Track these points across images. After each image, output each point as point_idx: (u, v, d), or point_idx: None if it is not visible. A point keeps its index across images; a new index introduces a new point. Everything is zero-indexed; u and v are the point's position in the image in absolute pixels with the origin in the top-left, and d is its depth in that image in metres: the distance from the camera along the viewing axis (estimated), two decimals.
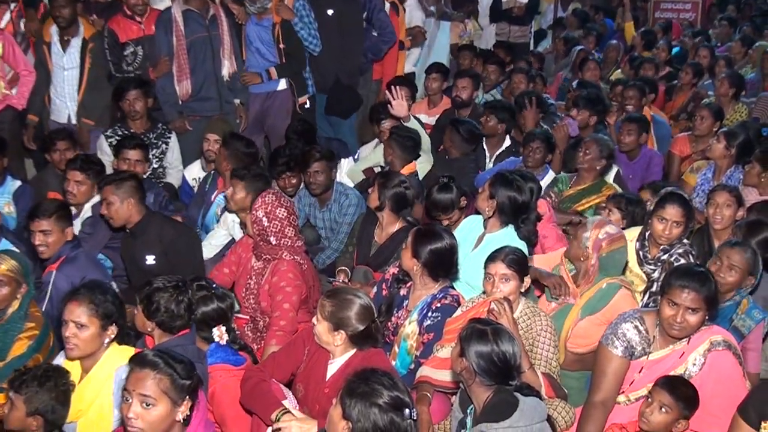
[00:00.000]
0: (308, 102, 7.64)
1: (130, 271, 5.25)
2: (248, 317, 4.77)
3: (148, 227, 5.06)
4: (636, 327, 3.74)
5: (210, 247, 5.83)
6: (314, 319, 3.74)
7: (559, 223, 5.51)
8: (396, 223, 5.33)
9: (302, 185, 6.30)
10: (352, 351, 3.72)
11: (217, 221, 6.01)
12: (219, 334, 3.91)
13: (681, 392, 3.49)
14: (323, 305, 3.69)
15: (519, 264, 4.04)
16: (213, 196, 6.22)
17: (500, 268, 4.01)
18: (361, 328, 3.66)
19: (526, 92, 7.45)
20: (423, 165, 6.58)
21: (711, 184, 6.07)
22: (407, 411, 2.87)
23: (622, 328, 3.75)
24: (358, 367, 3.24)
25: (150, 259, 5.04)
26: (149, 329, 3.80)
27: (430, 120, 7.91)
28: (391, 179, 5.33)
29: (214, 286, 4.07)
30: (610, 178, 6.21)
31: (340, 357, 3.72)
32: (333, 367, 3.73)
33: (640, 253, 4.66)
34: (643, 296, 4.65)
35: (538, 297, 4.52)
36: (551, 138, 6.41)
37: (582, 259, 4.28)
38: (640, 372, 3.73)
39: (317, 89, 7.81)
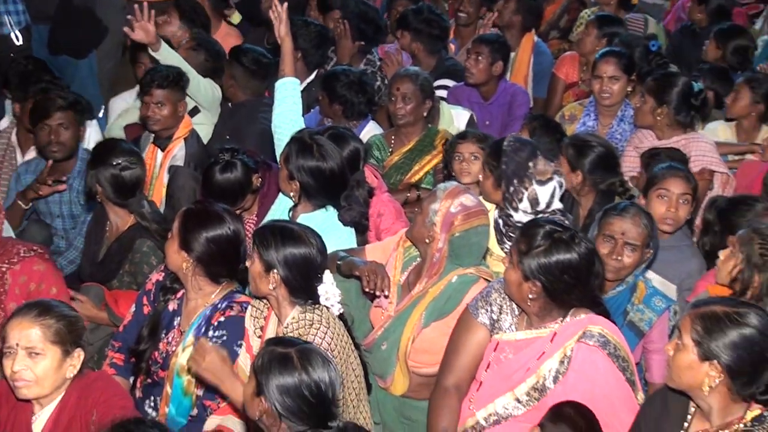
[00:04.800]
0: (19, 37, 7.39)
1: None
2: None
3: None
4: (505, 298, 4.00)
5: None
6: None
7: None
8: (126, 218, 5.24)
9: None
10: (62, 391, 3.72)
11: None
12: None
13: (585, 428, 3.66)
14: None
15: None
16: None
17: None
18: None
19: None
20: (204, 126, 6.62)
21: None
22: None
23: (494, 296, 4.00)
24: (74, 409, 3.26)
25: None
26: None
27: None
28: (102, 155, 5.24)
29: None
30: (460, 126, 6.42)
31: (47, 406, 3.72)
32: (38, 424, 3.73)
33: (500, 221, 4.86)
34: None
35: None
36: (364, 81, 6.53)
37: (427, 240, 4.39)
38: (495, 350, 3.96)
39: (32, 17, 7.57)
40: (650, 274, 4.76)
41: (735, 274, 4.36)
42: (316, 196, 4.83)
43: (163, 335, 4.39)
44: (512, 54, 7.87)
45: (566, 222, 4.57)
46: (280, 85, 5.32)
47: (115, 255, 5.21)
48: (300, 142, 4.83)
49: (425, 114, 6.21)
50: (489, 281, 4.31)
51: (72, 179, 6.00)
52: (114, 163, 5.15)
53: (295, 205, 4.90)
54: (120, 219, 5.24)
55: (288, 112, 5.24)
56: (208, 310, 4.30)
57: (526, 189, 4.72)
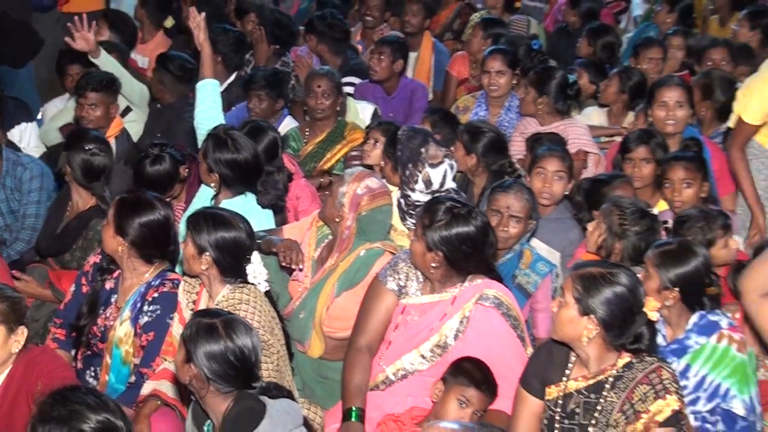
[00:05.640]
0: None
1: None
2: None
3: None
4: (411, 267, 4.03)
5: None
6: None
7: None
8: (89, 199, 5.23)
9: None
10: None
11: None
12: None
13: (482, 381, 3.72)
14: None
15: None
16: None
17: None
18: None
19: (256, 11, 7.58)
20: (135, 123, 6.55)
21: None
22: None
23: (401, 266, 4.05)
24: (20, 381, 3.21)
25: None
26: None
27: (144, 61, 7.82)
28: (76, 140, 5.23)
29: None
30: (365, 119, 6.42)
31: None
32: None
33: (401, 201, 4.87)
34: None
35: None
36: (281, 79, 6.53)
37: (337, 220, 4.40)
38: (402, 313, 4.01)
39: None
40: (537, 243, 4.81)
41: (600, 242, 4.47)
42: (234, 184, 4.83)
43: (101, 311, 4.34)
44: (414, 54, 7.93)
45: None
46: (200, 86, 5.27)
47: (73, 230, 5.20)
48: (216, 138, 4.82)
49: (338, 108, 6.19)
50: (393, 253, 4.33)
51: (2, 179, 5.81)
52: (86, 148, 5.15)
53: (217, 194, 4.89)
54: (82, 200, 5.23)
55: (208, 110, 5.20)
56: (142, 287, 4.27)
57: (420, 172, 4.73)
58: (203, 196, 5.04)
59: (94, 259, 4.54)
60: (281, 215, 5.10)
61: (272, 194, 4.94)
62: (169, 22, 8.75)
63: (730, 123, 5.61)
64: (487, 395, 3.74)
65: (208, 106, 5.21)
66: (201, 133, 5.12)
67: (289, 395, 3.45)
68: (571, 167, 5.29)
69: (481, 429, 2.87)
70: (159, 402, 3.97)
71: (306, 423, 3.38)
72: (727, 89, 6.16)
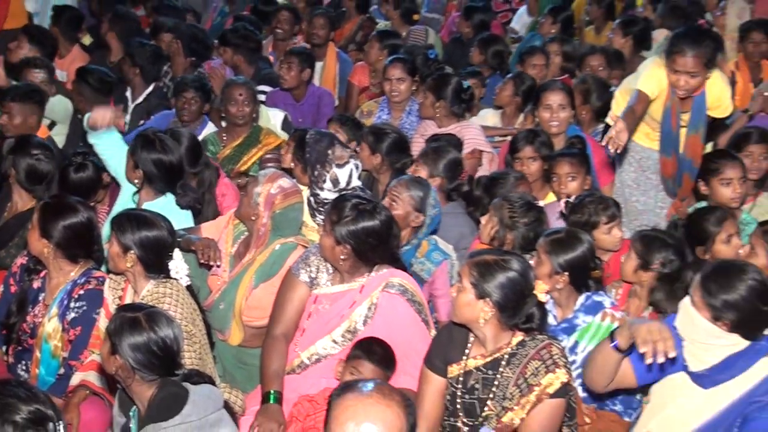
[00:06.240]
0: None
1: None
2: None
3: None
4: (321, 260, 4.03)
5: None
6: None
7: None
8: (29, 202, 5.08)
9: None
10: None
11: None
12: None
13: (378, 356, 3.72)
14: None
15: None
16: None
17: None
18: None
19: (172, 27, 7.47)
20: (61, 135, 6.47)
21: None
22: (51, 425, 2.77)
23: (312, 259, 4.04)
24: None
25: None
26: None
27: (63, 75, 7.66)
28: (24, 145, 5.11)
29: None
30: (277, 124, 6.38)
31: None
32: None
33: (311, 199, 4.85)
34: None
35: None
36: (207, 85, 6.45)
37: (253, 218, 4.38)
38: (315, 302, 4.00)
39: None
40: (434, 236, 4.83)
41: (493, 233, 4.53)
42: (156, 183, 4.80)
43: (30, 309, 4.28)
44: (321, 63, 7.92)
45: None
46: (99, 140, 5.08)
47: (11, 228, 5.06)
48: (145, 138, 4.81)
49: (254, 114, 6.15)
50: (306, 247, 4.32)
51: None
52: (32, 153, 5.04)
53: (138, 191, 4.85)
54: (22, 201, 5.09)
55: (117, 152, 5.06)
56: (68, 285, 4.21)
57: (328, 172, 4.73)
58: (125, 197, 4.98)
59: (21, 260, 4.47)
60: (199, 217, 5.04)
61: (191, 196, 4.91)
62: (86, 39, 8.56)
63: (609, 120, 5.72)
64: (381, 368, 3.72)
65: (116, 152, 5.07)
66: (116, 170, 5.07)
67: (211, 381, 3.42)
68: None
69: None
70: (87, 391, 3.94)
71: (227, 406, 3.35)
72: (603, 93, 6.34)
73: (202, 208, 5.11)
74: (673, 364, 3.36)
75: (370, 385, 2.53)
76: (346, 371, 3.75)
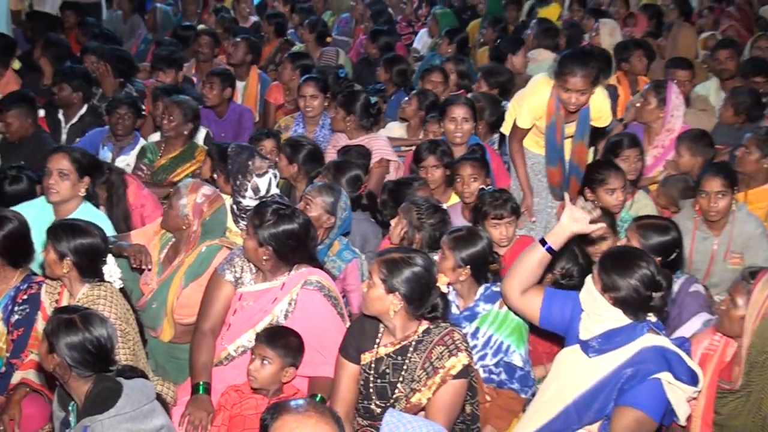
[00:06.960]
0: None
1: None
2: None
3: None
4: (245, 261, 4.01)
5: None
6: None
7: (158, 197, 5.50)
8: None
9: None
10: None
11: None
12: None
13: (279, 342, 3.69)
14: None
15: None
16: None
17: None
18: None
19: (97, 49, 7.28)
20: None
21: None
22: None
23: (236, 260, 4.02)
24: None
25: None
26: None
27: None
28: None
29: None
30: (199, 139, 6.31)
31: None
32: None
33: (234, 207, 4.81)
34: None
35: None
36: (137, 102, 6.36)
37: (184, 227, 4.33)
38: (239, 299, 3.98)
39: None
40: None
41: (402, 234, 4.54)
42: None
43: None
44: (242, 83, 7.87)
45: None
46: None
47: None
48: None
49: (185, 132, 5.99)
50: (230, 248, 4.31)
51: None
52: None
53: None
54: None
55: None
56: (12, 291, 4.11)
57: (249, 181, 4.71)
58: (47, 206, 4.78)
59: None
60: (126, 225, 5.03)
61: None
62: (16, 65, 8.30)
63: (504, 130, 5.81)
64: (281, 354, 3.66)
65: None
66: None
67: (144, 375, 3.39)
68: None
69: None
70: (28, 389, 3.87)
71: (159, 398, 3.32)
72: (495, 109, 6.50)
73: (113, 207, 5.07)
74: None
75: (302, 403, 2.52)
76: (255, 359, 3.69)
